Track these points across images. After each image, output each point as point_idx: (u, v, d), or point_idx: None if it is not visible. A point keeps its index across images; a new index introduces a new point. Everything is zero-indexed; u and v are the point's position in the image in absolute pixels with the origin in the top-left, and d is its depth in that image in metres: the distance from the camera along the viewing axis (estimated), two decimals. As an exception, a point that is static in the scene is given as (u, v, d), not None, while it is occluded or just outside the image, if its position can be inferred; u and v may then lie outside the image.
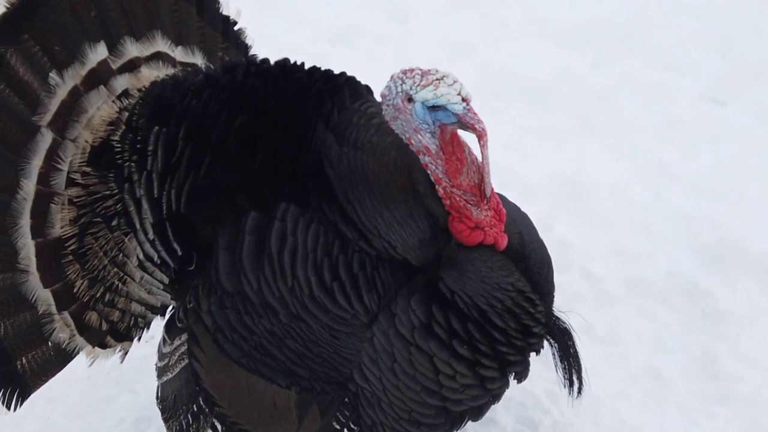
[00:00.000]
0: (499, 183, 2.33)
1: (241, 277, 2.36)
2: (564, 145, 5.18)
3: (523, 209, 2.65)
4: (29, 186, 2.51)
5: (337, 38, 6.21)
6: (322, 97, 2.49)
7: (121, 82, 2.68)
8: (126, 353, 2.86)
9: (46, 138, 2.52)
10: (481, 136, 2.17)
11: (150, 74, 2.75)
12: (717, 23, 6.35)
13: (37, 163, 2.52)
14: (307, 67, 2.62)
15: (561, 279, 2.62)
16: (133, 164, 2.52)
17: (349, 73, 2.65)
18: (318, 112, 2.46)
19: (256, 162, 2.40)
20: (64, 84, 2.55)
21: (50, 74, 2.53)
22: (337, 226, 2.31)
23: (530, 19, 6.41)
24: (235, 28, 3.16)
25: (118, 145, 2.56)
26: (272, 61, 2.66)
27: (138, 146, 2.52)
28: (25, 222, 2.52)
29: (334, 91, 2.54)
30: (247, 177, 2.40)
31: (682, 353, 3.80)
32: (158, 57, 2.80)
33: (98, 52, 2.62)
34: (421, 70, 2.22)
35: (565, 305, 2.67)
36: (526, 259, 2.44)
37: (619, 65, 5.90)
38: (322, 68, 2.63)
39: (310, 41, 6.01)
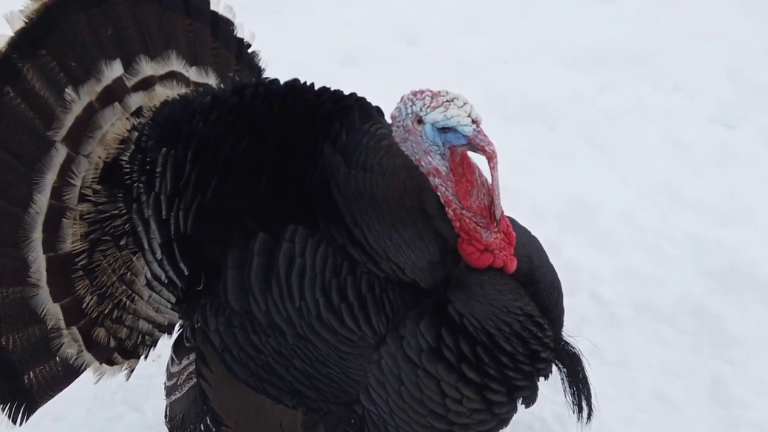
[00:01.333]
0: (507, 204, 2.32)
1: (249, 298, 2.35)
2: (572, 166, 5.17)
3: (531, 231, 2.64)
4: (42, 200, 2.52)
5: (347, 58, 6.22)
6: (329, 119, 2.49)
7: (136, 100, 2.69)
8: (132, 371, 2.86)
9: (60, 153, 2.54)
10: (491, 158, 2.16)
11: (164, 93, 2.76)
12: (726, 46, 6.36)
13: (51, 178, 2.53)
14: (317, 87, 2.62)
15: (569, 302, 2.60)
16: (141, 185, 2.53)
17: (358, 94, 2.65)
18: (325, 133, 2.46)
19: (261, 185, 2.40)
20: (79, 100, 2.57)
21: (66, 90, 2.54)
22: (346, 248, 2.30)
23: (539, 41, 6.42)
24: (249, 50, 3.17)
25: (127, 166, 2.57)
26: (282, 82, 2.66)
27: (147, 167, 2.53)
28: (37, 236, 2.53)
29: (343, 112, 2.53)
30: (253, 199, 2.41)
31: (691, 378, 3.78)
32: (172, 76, 2.82)
33: (114, 70, 2.63)
34: (431, 91, 2.22)
35: (573, 328, 2.65)
36: (536, 284, 2.42)
37: (628, 87, 5.90)
38: (332, 89, 2.63)
39: (320, 61, 6.03)
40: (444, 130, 2.19)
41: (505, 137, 5.18)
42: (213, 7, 2.99)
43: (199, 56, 2.93)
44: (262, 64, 3.23)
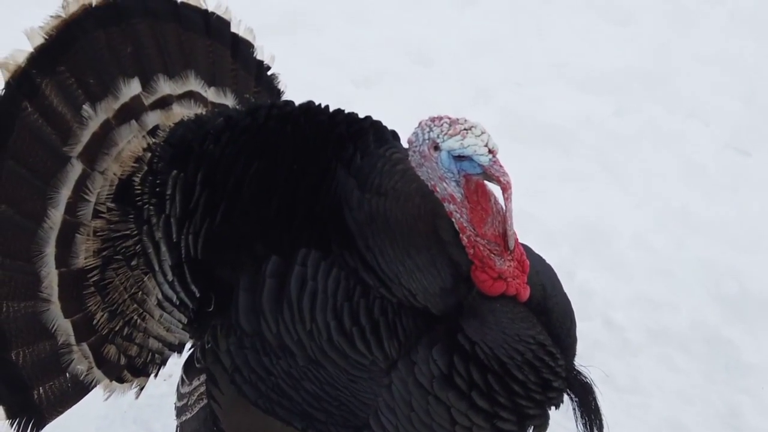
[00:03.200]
0: (519, 227, 2.32)
1: (260, 319, 2.35)
2: (585, 190, 5.17)
3: (544, 255, 2.63)
4: (56, 215, 2.53)
5: (361, 79, 6.25)
6: (343, 141, 2.48)
7: (153, 118, 2.70)
8: (142, 389, 2.85)
9: (76, 168, 2.55)
10: (505, 188, 2.16)
11: (181, 112, 2.77)
12: (741, 72, 6.36)
13: (65, 193, 2.54)
14: (331, 109, 2.62)
15: (582, 327, 2.59)
16: (152, 207, 2.53)
17: (372, 115, 2.64)
18: (339, 156, 2.45)
19: (272, 208, 2.40)
20: (96, 116, 2.58)
21: (83, 106, 2.56)
22: (358, 273, 2.30)
23: (553, 64, 6.44)
24: (269, 73, 3.18)
25: (139, 187, 2.58)
26: (296, 103, 2.67)
27: (157, 189, 2.53)
28: (50, 251, 2.53)
29: (358, 136, 2.52)
30: (263, 223, 2.40)
31: (704, 405, 3.76)
32: (191, 96, 2.83)
33: (132, 87, 2.65)
34: (449, 118, 2.22)
35: (585, 353, 2.65)
36: (548, 313, 2.40)
37: (642, 112, 5.90)
38: (347, 111, 2.62)
39: (334, 82, 6.05)
40: (460, 158, 2.19)
41: (518, 160, 5.18)
42: (233, 28, 3.00)
43: (218, 77, 2.94)
44: (281, 87, 3.23)
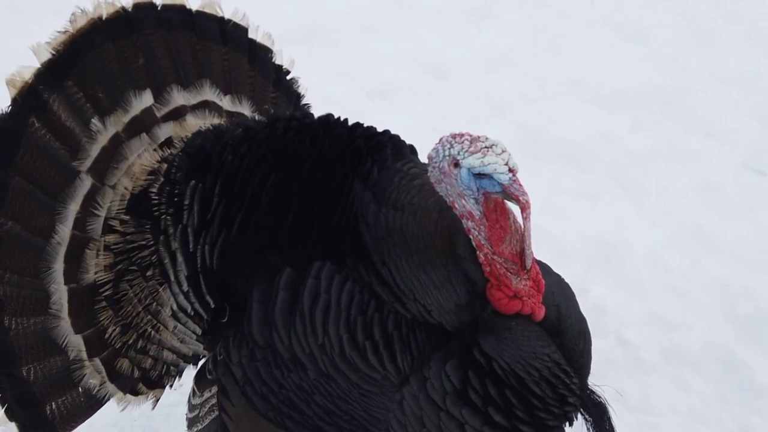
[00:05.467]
0: (533, 244, 2.31)
1: (273, 332, 2.34)
2: (600, 207, 5.14)
3: (557, 272, 2.62)
4: (64, 231, 2.54)
5: (376, 92, 6.25)
6: (360, 155, 2.48)
7: (165, 131, 2.71)
8: (158, 400, 2.86)
9: (84, 183, 2.56)
10: (524, 208, 2.16)
11: (195, 123, 2.77)
12: (758, 91, 6.33)
13: (73, 208, 2.55)
14: (350, 123, 2.62)
15: (595, 344, 2.58)
16: (169, 217, 2.53)
17: (386, 128, 2.65)
18: (356, 169, 2.45)
19: (288, 220, 2.40)
20: (105, 130, 2.59)
21: (92, 120, 2.56)
22: (372, 287, 2.29)
23: (569, 80, 6.42)
24: (288, 77, 3.17)
25: (156, 197, 2.58)
26: (316, 116, 2.66)
27: (175, 199, 2.53)
28: (59, 266, 2.55)
29: (376, 149, 2.53)
30: (279, 235, 2.40)
31: (717, 426, 3.73)
32: (205, 105, 2.83)
33: (143, 100, 2.66)
34: (470, 135, 2.22)
35: (598, 371, 2.63)
36: (562, 334, 2.40)
37: (658, 129, 5.88)
38: (365, 125, 2.62)
39: (349, 94, 6.05)
40: (480, 176, 2.19)
41: (532, 176, 5.17)
42: (251, 34, 2.99)
43: (233, 85, 2.94)
44: (300, 90, 3.22)
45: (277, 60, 3.11)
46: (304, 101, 3.22)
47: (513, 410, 2.26)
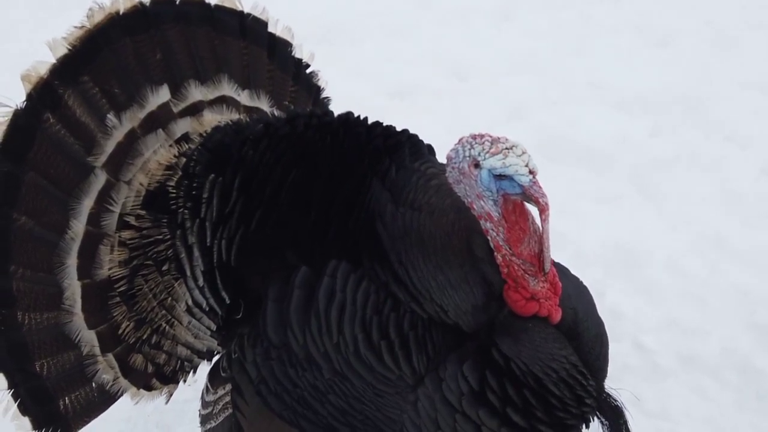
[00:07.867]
0: (552, 247, 2.30)
1: (288, 330, 2.34)
2: (619, 212, 5.11)
3: (576, 275, 2.61)
4: (78, 226, 2.54)
5: (396, 92, 6.25)
6: (379, 154, 2.48)
7: (182, 126, 2.71)
8: (171, 395, 2.87)
9: (99, 179, 2.56)
10: (543, 210, 2.15)
11: (212, 118, 2.77)
12: (782, 98, 6.27)
13: (88, 204, 2.55)
14: (370, 121, 2.61)
15: (611, 348, 2.57)
16: (187, 211, 2.53)
17: (406, 128, 2.64)
18: (374, 169, 2.45)
19: (307, 218, 2.40)
20: (121, 126, 2.60)
21: (108, 116, 2.56)
22: (389, 287, 2.29)
23: (591, 84, 6.39)
24: (308, 71, 3.17)
25: (174, 191, 2.58)
26: (336, 114, 2.66)
27: (193, 193, 2.54)
28: (72, 262, 2.55)
29: (394, 149, 2.52)
30: (297, 233, 2.40)
31: (734, 434, 3.70)
32: (223, 101, 2.84)
33: (160, 96, 2.66)
34: (491, 137, 2.21)
35: (614, 375, 2.62)
36: (579, 337, 2.39)
37: (679, 135, 5.83)
38: (385, 124, 2.61)
39: (369, 93, 6.06)
40: (500, 177, 2.18)
41: (552, 179, 5.15)
42: (270, 28, 2.99)
43: (252, 79, 2.94)
44: (321, 84, 3.22)
45: (297, 54, 3.11)
46: (323, 95, 3.22)
47: (532, 410, 2.25)
